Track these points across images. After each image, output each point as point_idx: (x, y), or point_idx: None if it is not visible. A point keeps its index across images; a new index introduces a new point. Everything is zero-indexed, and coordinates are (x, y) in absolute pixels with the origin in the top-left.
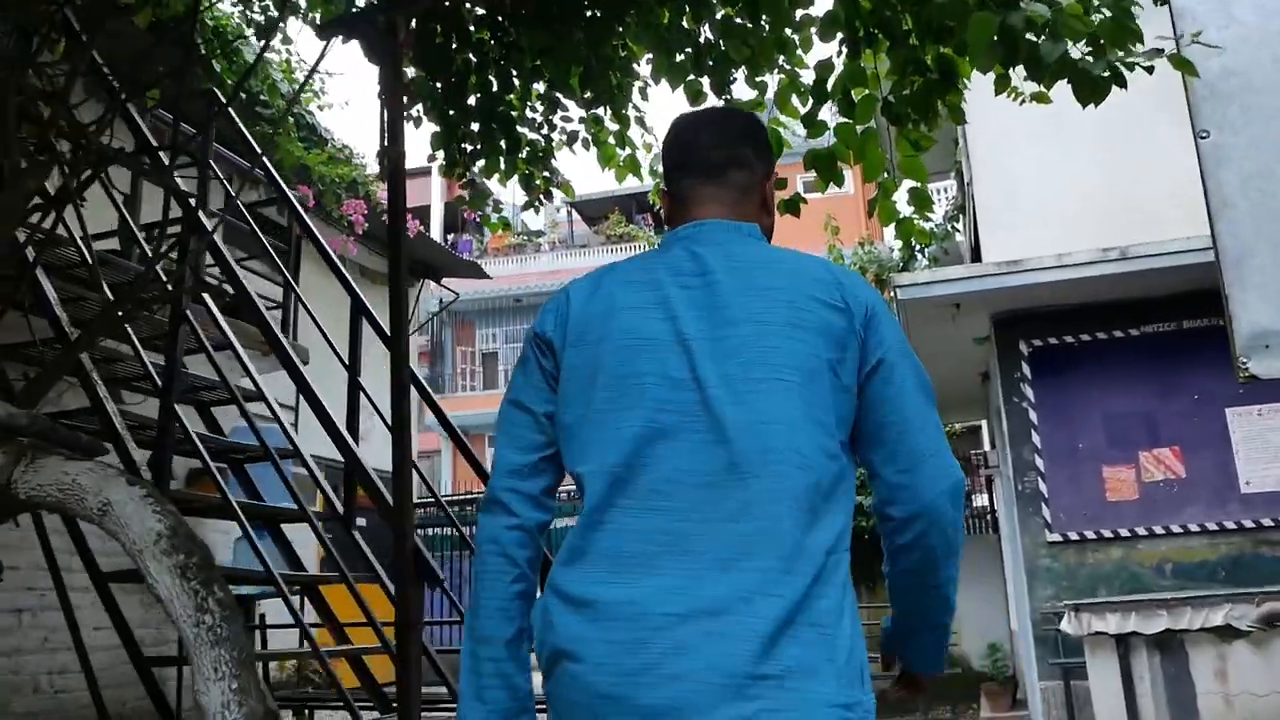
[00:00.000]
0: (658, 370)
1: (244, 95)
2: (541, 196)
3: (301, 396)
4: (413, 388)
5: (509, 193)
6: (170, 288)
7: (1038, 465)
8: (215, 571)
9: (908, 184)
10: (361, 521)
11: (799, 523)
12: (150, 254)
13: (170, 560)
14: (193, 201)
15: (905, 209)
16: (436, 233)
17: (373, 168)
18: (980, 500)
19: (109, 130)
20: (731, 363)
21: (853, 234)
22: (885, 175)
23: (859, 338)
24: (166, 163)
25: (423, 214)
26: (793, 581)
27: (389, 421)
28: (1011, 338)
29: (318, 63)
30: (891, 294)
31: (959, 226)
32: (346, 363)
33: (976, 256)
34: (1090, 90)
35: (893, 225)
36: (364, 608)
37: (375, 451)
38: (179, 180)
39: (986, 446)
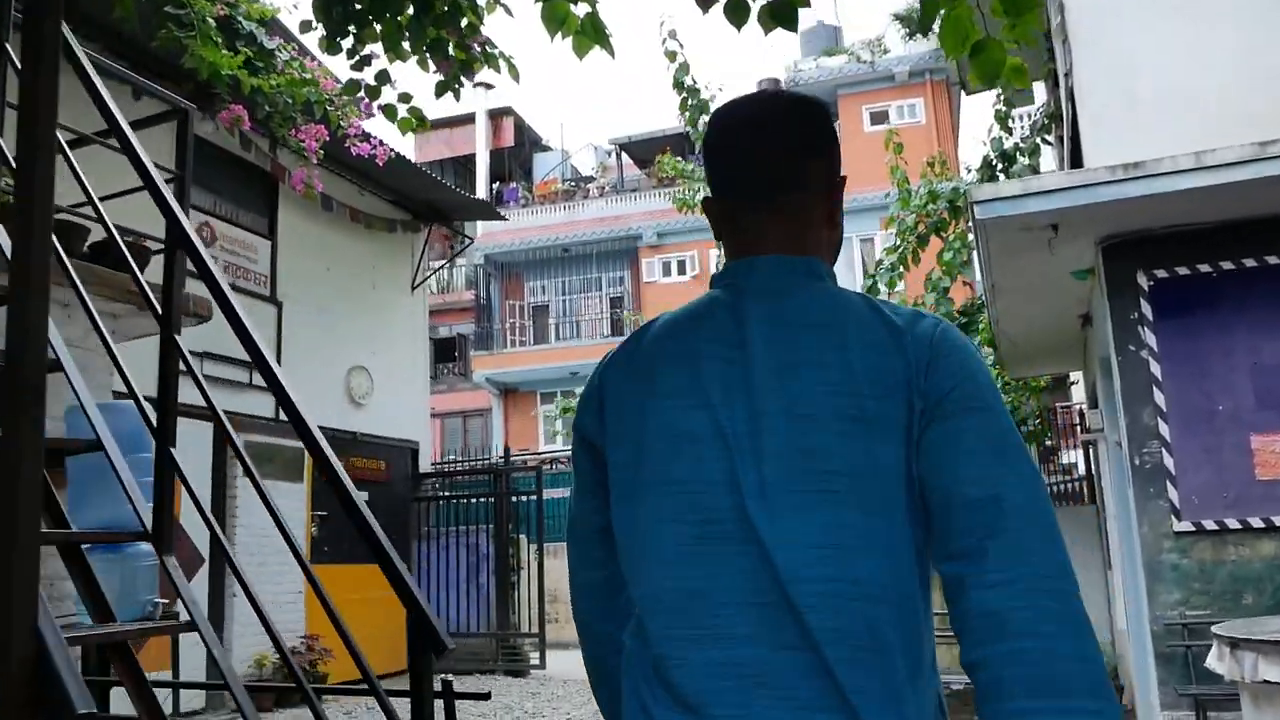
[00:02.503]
0: (697, 475)
1: None
2: (463, 76)
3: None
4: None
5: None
6: None
7: (1162, 433)
8: None
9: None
10: (364, 495)
11: (868, 669)
12: None
13: None
14: None
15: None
16: (482, 181)
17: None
18: (1068, 456)
19: None
20: (770, 468)
21: (921, 157)
22: None
23: (919, 408)
24: None
25: (467, 161)
26: None
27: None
28: (1126, 268)
29: None
30: (968, 214)
31: (1050, 139)
32: (159, 312)
33: (1077, 166)
34: None
35: (966, 67)
36: None
37: (373, 420)
38: None
39: (1080, 400)
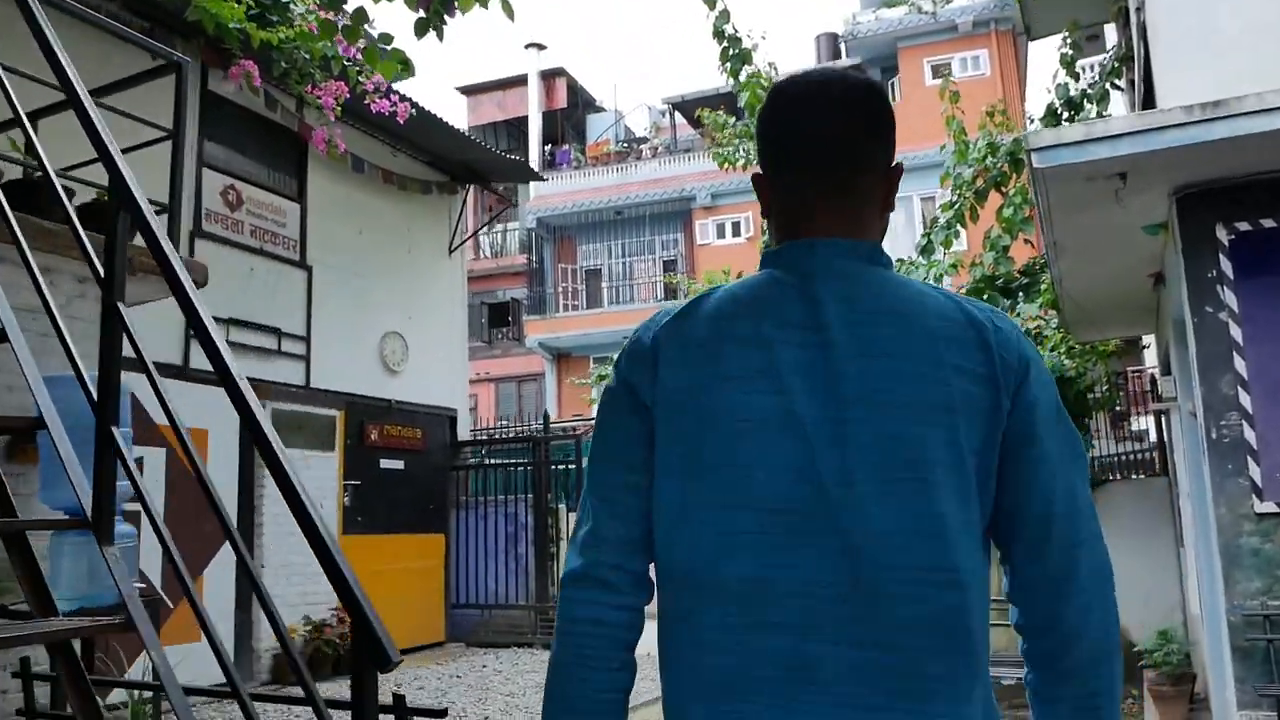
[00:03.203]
0: (769, 460)
1: None
2: (445, 13)
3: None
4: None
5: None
6: None
7: (1243, 403)
8: None
9: None
10: (400, 464)
11: (950, 657)
12: None
13: None
14: None
15: None
16: (534, 143)
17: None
18: (1140, 422)
19: None
20: (856, 455)
21: (980, 105)
22: None
23: (1006, 408)
24: None
25: (520, 124)
26: None
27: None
28: (1203, 221)
29: None
30: (1026, 163)
31: (1120, 84)
32: (101, 276)
33: (1149, 107)
34: None
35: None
36: None
37: (409, 387)
38: None
39: (1152, 365)
